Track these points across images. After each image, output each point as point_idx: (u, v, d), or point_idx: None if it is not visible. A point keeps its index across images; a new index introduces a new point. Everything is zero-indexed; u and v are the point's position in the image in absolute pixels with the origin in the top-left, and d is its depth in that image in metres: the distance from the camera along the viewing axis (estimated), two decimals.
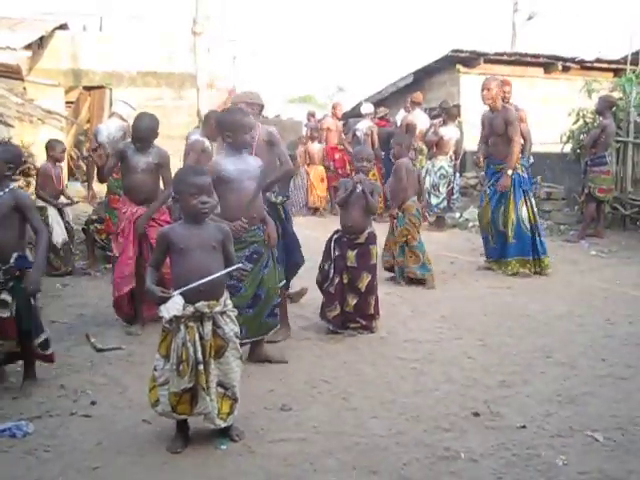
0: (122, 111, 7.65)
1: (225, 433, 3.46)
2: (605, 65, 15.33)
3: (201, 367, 3.29)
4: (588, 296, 6.40)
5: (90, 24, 17.27)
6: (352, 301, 5.26)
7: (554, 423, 3.65)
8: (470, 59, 14.69)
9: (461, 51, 14.54)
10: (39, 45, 13.78)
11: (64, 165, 10.90)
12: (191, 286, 3.26)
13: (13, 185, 4.22)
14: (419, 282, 6.89)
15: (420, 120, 11.53)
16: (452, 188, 10.71)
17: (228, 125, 4.35)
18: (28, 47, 12.60)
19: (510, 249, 7.24)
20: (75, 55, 14.61)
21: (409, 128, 11.14)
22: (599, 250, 8.62)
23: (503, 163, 7.22)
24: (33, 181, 8.28)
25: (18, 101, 10.94)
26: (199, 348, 3.29)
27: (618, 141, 9.93)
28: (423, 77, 15.63)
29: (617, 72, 14.43)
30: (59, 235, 7.31)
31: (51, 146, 7.50)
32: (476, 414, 3.77)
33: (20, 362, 4.26)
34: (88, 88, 14.89)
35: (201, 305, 3.30)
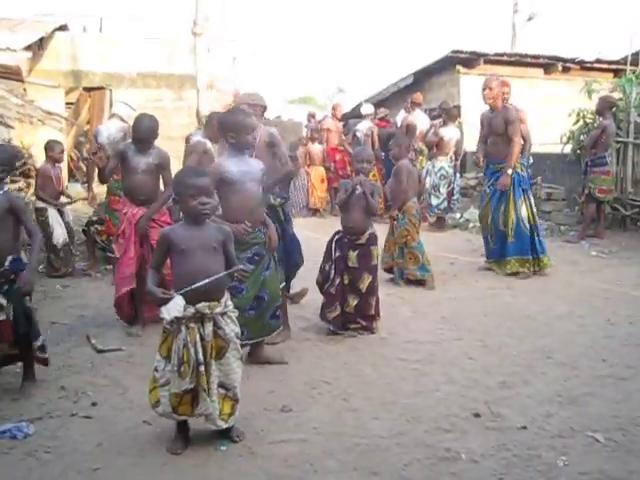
0: (122, 112, 7.64)
1: (225, 434, 3.46)
2: (605, 66, 15.33)
3: (202, 368, 3.29)
4: (588, 297, 6.40)
5: (90, 25, 17.30)
6: (353, 302, 5.26)
7: (555, 424, 3.65)
8: (470, 60, 14.70)
9: (461, 52, 14.54)
10: (39, 46, 13.78)
11: (64, 166, 10.95)
12: (192, 287, 3.26)
13: (7, 187, 4.21)
14: (419, 283, 6.89)
15: (420, 121, 11.53)
16: (452, 189, 10.72)
17: (231, 126, 4.35)
18: (28, 48, 12.60)
19: (509, 248, 7.24)
20: (75, 56, 14.61)
21: (409, 129, 11.12)
22: (599, 251, 8.62)
23: (502, 163, 7.22)
24: (33, 182, 8.27)
25: (18, 102, 10.93)
26: (200, 349, 3.29)
27: (618, 142, 9.93)
28: (423, 78, 15.63)
29: (617, 72, 14.44)
30: (60, 236, 7.31)
31: (50, 147, 7.50)
32: (477, 415, 3.77)
33: (20, 363, 4.26)
34: (88, 89, 14.89)
35: (202, 306, 3.30)
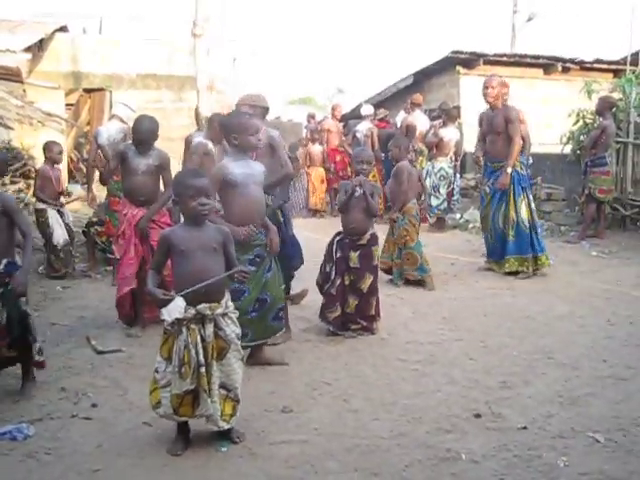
0: (122, 113, 7.64)
1: (226, 435, 3.46)
2: (605, 66, 15.34)
3: (203, 369, 3.29)
4: (589, 297, 6.40)
5: (90, 26, 17.29)
6: (353, 302, 5.26)
7: (555, 424, 3.64)
8: (470, 60, 14.71)
9: (461, 52, 14.55)
10: (39, 47, 13.78)
11: (64, 167, 10.95)
12: (193, 288, 3.26)
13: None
14: (418, 283, 6.89)
15: (420, 121, 11.54)
16: (452, 189, 10.72)
17: (234, 127, 4.35)
18: (28, 49, 12.60)
19: (509, 247, 7.24)
20: (75, 57, 14.60)
21: (409, 129, 11.15)
22: (600, 251, 8.62)
23: (501, 161, 7.22)
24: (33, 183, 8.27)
25: (18, 104, 10.95)
26: (201, 350, 3.29)
27: (618, 142, 9.93)
28: (423, 78, 15.64)
29: (617, 73, 14.45)
30: (60, 236, 7.30)
31: (48, 147, 7.49)
32: (477, 415, 3.76)
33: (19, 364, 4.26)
34: (88, 90, 14.89)
35: (203, 307, 3.30)
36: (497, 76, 7.55)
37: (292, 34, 72.33)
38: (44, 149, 7.56)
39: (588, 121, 10.49)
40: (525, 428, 3.59)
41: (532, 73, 15.19)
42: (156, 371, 3.38)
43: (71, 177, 12.60)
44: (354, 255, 5.28)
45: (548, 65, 15.29)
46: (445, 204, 10.70)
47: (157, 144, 5.54)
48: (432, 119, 12.31)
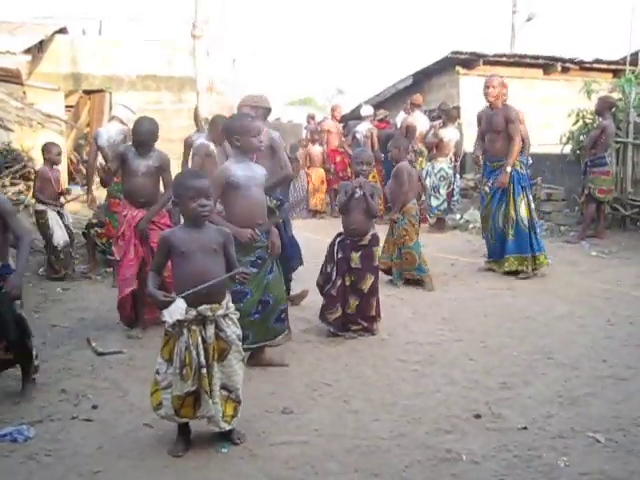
0: (122, 115, 7.65)
1: (226, 436, 3.46)
2: (604, 66, 15.34)
3: (204, 370, 3.29)
4: (589, 297, 6.40)
5: (89, 28, 17.29)
6: (354, 303, 5.27)
7: (555, 424, 3.65)
8: (469, 61, 14.71)
9: (460, 53, 14.56)
10: (39, 49, 13.78)
11: (64, 168, 10.96)
12: (194, 290, 3.26)
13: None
14: (417, 283, 6.90)
15: (420, 122, 11.54)
16: (452, 190, 10.72)
17: (236, 129, 4.37)
18: (28, 51, 12.61)
19: (509, 246, 7.25)
20: (75, 59, 14.60)
21: (409, 130, 11.15)
22: (599, 251, 8.62)
23: (500, 160, 7.23)
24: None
25: (18, 105, 10.95)
26: (202, 351, 3.29)
27: (618, 142, 9.93)
28: (422, 79, 15.65)
29: (616, 73, 14.45)
30: (60, 238, 7.31)
31: (47, 149, 7.49)
32: (477, 416, 3.77)
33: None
34: (88, 92, 14.88)
35: (204, 309, 3.31)
36: (497, 76, 7.56)
37: (292, 35, 72.40)
38: (43, 150, 7.56)
39: (588, 121, 10.48)
40: (525, 428, 3.60)
41: (532, 73, 15.20)
42: (157, 372, 3.38)
43: (71, 179, 12.60)
44: (355, 256, 5.28)
45: (548, 65, 15.30)
46: (445, 204, 10.70)
47: (157, 145, 5.55)
48: (432, 119, 12.31)
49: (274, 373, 4.51)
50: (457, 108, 12.92)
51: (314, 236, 9.18)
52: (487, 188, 7.42)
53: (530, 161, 9.22)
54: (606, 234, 9.52)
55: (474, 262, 8.01)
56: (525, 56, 15.35)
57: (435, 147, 10.77)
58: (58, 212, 7.43)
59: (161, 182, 5.55)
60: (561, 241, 9.44)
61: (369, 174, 6.02)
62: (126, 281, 5.34)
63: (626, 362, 4.61)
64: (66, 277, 7.29)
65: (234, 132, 4.36)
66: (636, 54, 11.33)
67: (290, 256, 5.53)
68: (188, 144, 7.96)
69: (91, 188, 7.70)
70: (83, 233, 7.89)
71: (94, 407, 3.95)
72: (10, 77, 11.37)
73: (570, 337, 5.21)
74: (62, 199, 7.64)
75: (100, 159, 7.66)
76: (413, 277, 6.91)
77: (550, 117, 13.49)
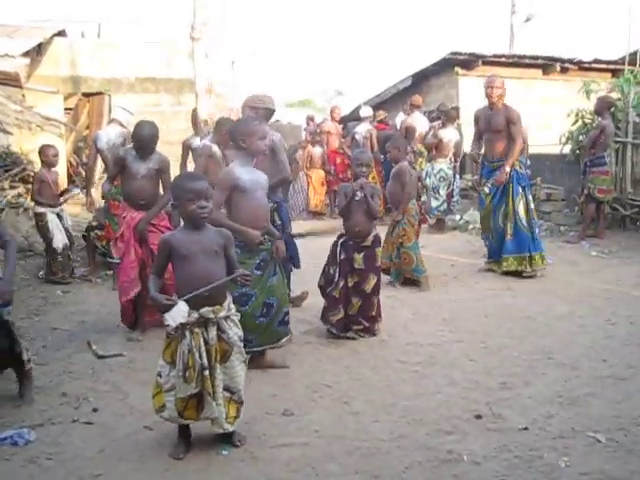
0: (121, 117, 7.65)
1: (227, 439, 3.46)
2: (603, 66, 15.36)
3: (206, 372, 3.30)
4: (589, 297, 6.40)
5: (88, 30, 17.30)
6: (357, 304, 5.27)
7: (556, 424, 3.65)
8: (468, 61, 14.73)
9: (459, 53, 14.58)
10: (37, 52, 13.79)
11: (64, 171, 10.96)
12: (195, 293, 3.26)
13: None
14: (415, 283, 6.90)
15: (419, 123, 11.54)
16: (452, 190, 10.71)
17: (242, 130, 4.40)
18: (26, 54, 12.60)
19: (507, 246, 7.24)
20: (73, 62, 14.61)
21: (408, 131, 11.15)
22: (599, 251, 8.61)
23: (500, 160, 7.23)
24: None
25: (17, 108, 10.96)
26: (204, 354, 3.29)
27: (617, 141, 9.92)
28: (422, 80, 15.66)
29: (615, 73, 14.46)
30: (59, 241, 7.30)
31: (43, 152, 7.48)
32: (478, 416, 3.77)
33: None
34: (87, 94, 14.88)
35: (206, 311, 3.31)
36: (498, 76, 7.56)
37: (290, 37, 72.38)
38: (39, 153, 7.54)
39: (587, 121, 10.49)
40: (526, 429, 3.60)
41: (531, 73, 15.21)
42: (159, 375, 3.38)
43: (70, 181, 12.59)
44: (359, 257, 5.28)
45: (547, 65, 15.32)
46: (445, 205, 10.69)
47: (156, 147, 5.55)
48: (431, 120, 12.31)
49: (275, 375, 4.51)
50: (456, 109, 12.92)
51: (314, 237, 9.20)
52: (486, 189, 7.42)
53: (528, 163, 9.23)
54: (606, 234, 9.51)
55: (474, 263, 8.01)
56: (524, 56, 15.36)
57: (434, 148, 10.77)
58: (57, 214, 7.43)
59: (160, 184, 5.55)
60: (561, 241, 9.44)
61: (368, 175, 6.02)
62: (131, 283, 5.33)
63: (626, 362, 4.61)
64: (64, 279, 7.28)
65: (240, 133, 4.38)
66: (635, 54, 11.33)
67: (290, 256, 5.53)
68: (186, 146, 7.99)
69: (90, 191, 7.70)
70: (83, 236, 7.90)
71: (95, 410, 3.95)
72: (9, 80, 11.37)
73: (570, 337, 5.21)
74: (61, 198, 7.62)
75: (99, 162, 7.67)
76: (412, 276, 6.92)
77: (549, 117, 13.50)
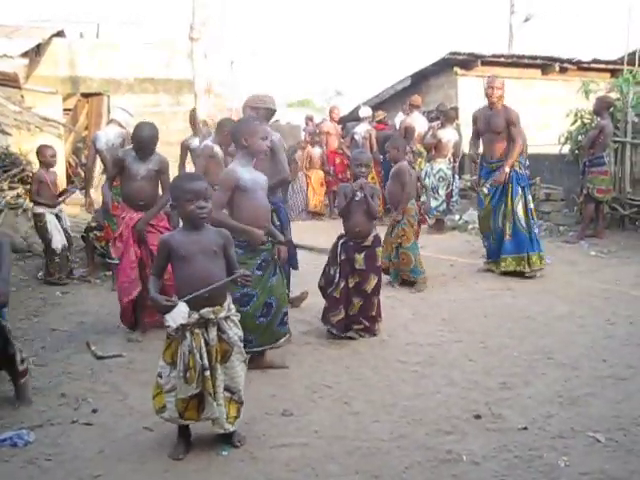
0: (120, 118, 7.64)
1: (227, 439, 3.46)
2: (602, 66, 15.37)
3: (207, 373, 3.30)
4: (588, 297, 6.40)
5: (87, 31, 17.29)
6: (358, 304, 5.27)
7: (555, 424, 3.65)
8: (467, 61, 14.73)
9: (458, 53, 14.57)
10: (36, 53, 13.77)
11: (63, 172, 10.95)
12: (196, 294, 3.26)
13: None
14: (412, 284, 6.90)
15: (418, 123, 11.53)
16: (451, 191, 10.71)
17: (244, 130, 4.41)
18: (25, 55, 12.59)
19: (505, 246, 7.25)
20: (72, 62, 14.60)
21: (407, 131, 11.14)
22: (598, 250, 8.62)
23: (500, 161, 7.23)
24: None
25: (16, 109, 10.96)
26: (205, 354, 3.29)
27: (616, 141, 9.93)
28: (421, 80, 15.66)
29: (614, 73, 14.47)
30: (58, 241, 7.29)
31: (41, 152, 7.46)
32: (478, 416, 3.76)
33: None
34: (86, 95, 14.88)
35: (206, 312, 3.31)
36: (498, 77, 7.56)
37: (289, 37, 72.37)
38: (37, 153, 7.53)
39: (586, 121, 10.49)
40: (525, 429, 3.60)
41: (530, 73, 15.22)
42: (159, 376, 3.37)
43: (69, 182, 12.59)
44: (359, 257, 5.28)
45: (546, 65, 15.32)
46: (444, 205, 10.69)
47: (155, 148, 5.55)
48: (430, 120, 12.31)
49: (274, 375, 4.50)
50: (455, 109, 12.92)
51: (313, 238, 9.19)
52: (485, 189, 7.42)
53: (527, 163, 9.23)
54: (605, 234, 9.51)
55: (473, 263, 8.01)
56: (523, 56, 15.37)
57: (434, 148, 10.76)
58: (56, 215, 7.42)
59: (160, 185, 5.55)
60: (560, 241, 9.44)
61: (368, 175, 6.02)
62: (131, 283, 5.32)
63: (626, 362, 4.61)
64: (60, 280, 7.26)
65: (243, 132, 4.39)
66: (634, 54, 11.33)
67: (289, 256, 5.53)
68: (185, 147, 7.98)
69: (89, 191, 7.69)
70: (82, 236, 7.89)
71: (94, 411, 3.95)
72: (8, 81, 11.37)
73: (570, 337, 5.21)
74: (61, 198, 7.62)
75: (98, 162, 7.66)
76: (408, 278, 6.92)
77: (548, 117, 13.50)
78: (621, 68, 11.78)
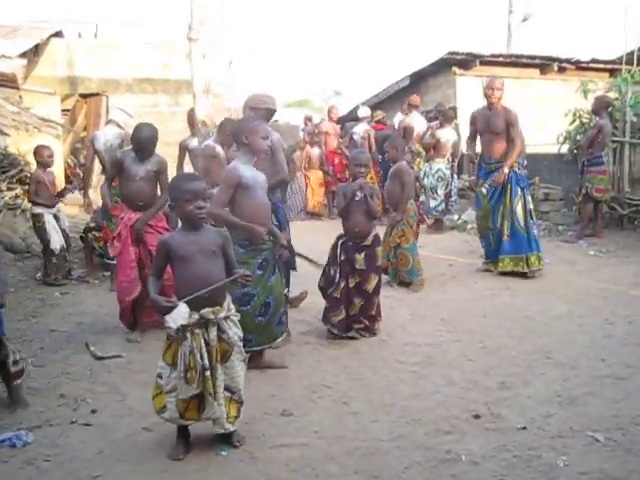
0: (119, 118, 7.63)
1: (226, 439, 3.46)
2: (601, 65, 15.37)
3: (208, 373, 3.30)
4: (587, 296, 6.40)
5: (85, 31, 17.26)
6: (359, 304, 5.27)
7: (554, 424, 3.65)
8: (466, 61, 14.73)
9: (457, 53, 14.57)
10: (34, 53, 13.74)
11: (61, 172, 10.94)
12: (196, 294, 3.26)
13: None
14: (409, 285, 6.91)
15: (417, 123, 11.53)
16: (450, 190, 10.71)
17: (245, 128, 4.43)
18: (23, 55, 12.56)
19: (504, 247, 7.25)
20: (71, 62, 14.57)
21: (406, 131, 11.15)
22: (597, 250, 8.62)
23: (499, 162, 7.23)
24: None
25: (14, 110, 10.94)
26: (205, 354, 3.29)
27: (614, 141, 9.93)
28: (419, 80, 15.66)
29: (612, 72, 14.48)
30: (57, 242, 7.29)
31: (38, 152, 7.45)
32: (476, 416, 3.77)
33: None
34: (84, 95, 14.86)
35: (206, 312, 3.31)
36: (498, 77, 7.56)
37: (288, 37, 72.38)
38: (34, 154, 7.51)
39: (584, 121, 10.49)
40: (524, 428, 3.60)
41: (528, 73, 15.22)
42: (159, 377, 3.37)
43: (68, 183, 12.58)
44: (359, 257, 5.28)
45: (544, 65, 15.33)
46: (443, 205, 10.68)
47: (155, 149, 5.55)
48: (429, 120, 12.31)
49: (273, 375, 4.50)
50: (454, 109, 12.90)
51: (312, 238, 9.17)
52: (484, 189, 7.41)
53: (525, 163, 9.23)
54: (604, 233, 9.51)
55: (472, 263, 8.01)
56: (522, 56, 15.38)
57: (432, 148, 10.76)
58: (54, 216, 7.41)
59: (158, 185, 5.55)
60: (559, 240, 9.44)
61: (367, 175, 6.02)
62: (131, 283, 5.32)
63: (625, 361, 4.61)
64: (57, 281, 7.25)
65: (244, 130, 4.41)
66: (632, 53, 11.33)
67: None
68: (183, 147, 7.98)
69: (87, 192, 7.68)
70: (81, 237, 7.88)
71: (93, 411, 3.95)
72: (6, 81, 11.35)
73: (569, 336, 5.22)
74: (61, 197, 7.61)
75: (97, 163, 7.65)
76: (405, 279, 6.92)
77: (547, 117, 13.50)
78: (619, 68, 11.78)
